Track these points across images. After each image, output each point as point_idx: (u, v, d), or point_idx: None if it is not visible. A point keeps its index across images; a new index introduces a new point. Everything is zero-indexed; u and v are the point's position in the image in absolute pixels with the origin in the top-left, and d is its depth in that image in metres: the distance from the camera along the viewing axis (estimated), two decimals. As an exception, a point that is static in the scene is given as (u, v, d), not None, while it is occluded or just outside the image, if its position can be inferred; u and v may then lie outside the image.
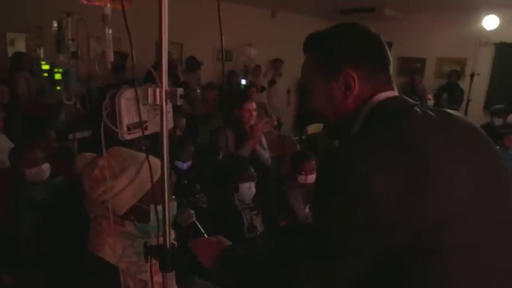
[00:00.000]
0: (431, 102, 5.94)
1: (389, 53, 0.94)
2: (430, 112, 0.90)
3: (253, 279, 0.96)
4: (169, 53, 0.89)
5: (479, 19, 6.09)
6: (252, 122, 3.19)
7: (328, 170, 0.83)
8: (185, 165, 2.91)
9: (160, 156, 0.89)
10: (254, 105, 3.24)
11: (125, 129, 0.89)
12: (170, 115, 0.93)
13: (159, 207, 0.94)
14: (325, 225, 0.81)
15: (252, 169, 2.56)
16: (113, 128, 0.90)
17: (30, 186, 2.29)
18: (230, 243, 1.09)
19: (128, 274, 1.15)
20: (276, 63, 7.20)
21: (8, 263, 2.12)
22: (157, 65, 0.86)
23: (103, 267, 1.10)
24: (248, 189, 2.48)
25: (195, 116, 5.30)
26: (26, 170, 2.26)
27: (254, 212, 2.53)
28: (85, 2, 0.88)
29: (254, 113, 3.21)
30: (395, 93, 0.93)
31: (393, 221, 0.76)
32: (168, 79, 0.86)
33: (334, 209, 0.80)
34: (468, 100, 6.12)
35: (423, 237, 0.78)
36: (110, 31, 0.90)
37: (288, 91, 7.60)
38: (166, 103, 0.88)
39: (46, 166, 2.32)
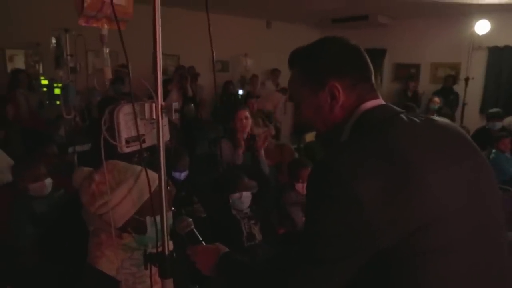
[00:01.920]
0: (437, 105, 5.97)
1: (369, 63, 0.99)
2: (416, 119, 0.93)
3: (250, 284, 0.99)
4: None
5: (471, 24, 6.18)
6: (247, 130, 3.21)
7: (317, 177, 0.86)
8: (182, 175, 2.93)
9: (156, 168, 0.94)
10: (246, 113, 3.24)
11: (123, 142, 0.93)
12: (166, 128, 0.98)
13: (157, 217, 0.98)
14: (315, 231, 0.85)
15: (246, 179, 2.57)
16: (112, 142, 0.94)
17: (31, 200, 2.33)
18: (227, 250, 1.12)
19: (127, 286, 1.17)
20: (274, 73, 7.26)
21: (10, 274, 2.15)
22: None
23: (102, 279, 1.13)
24: (239, 199, 2.50)
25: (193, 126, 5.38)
26: (30, 185, 2.31)
27: (253, 221, 2.56)
28: (84, 24, 0.93)
29: (248, 121, 3.22)
30: (381, 101, 0.97)
31: (380, 226, 0.79)
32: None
33: (323, 215, 0.83)
34: (464, 104, 6.18)
35: (408, 240, 0.81)
36: (108, 50, 0.95)
37: (285, 100, 7.66)
38: (162, 117, 0.92)
39: (48, 181, 2.38)
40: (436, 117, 1.02)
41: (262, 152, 3.23)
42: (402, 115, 0.93)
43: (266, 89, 7.04)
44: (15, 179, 2.39)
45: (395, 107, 0.97)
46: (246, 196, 2.53)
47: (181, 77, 5.74)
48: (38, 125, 4.46)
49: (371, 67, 0.99)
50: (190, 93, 5.78)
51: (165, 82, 5.73)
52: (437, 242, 0.82)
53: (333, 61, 0.96)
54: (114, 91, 4.93)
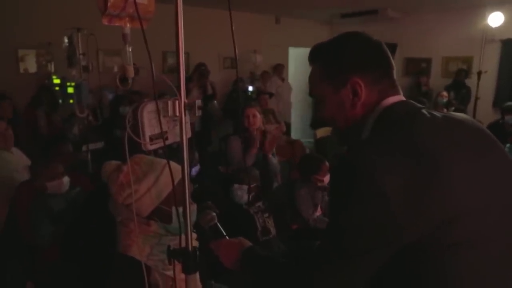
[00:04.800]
0: (445, 99, 5.92)
1: (391, 59, 0.98)
2: (437, 114, 0.93)
3: (274, 278, 0.99)
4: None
5: (484, 16, 6.10)
6: (256, 127, 3.21)
7: (341, 173, 0.86)
8: (194, 170, 2.93)
9: (179, 161, 0.95)
10: (254, 110, 3.22)
11: (147, 139, 0.94)
12: (188, 125, 0.99)
13: (180, 209, 1.00)
14: (341, 226, 0.85)
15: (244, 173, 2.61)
16: (136, 139, 0.95)
17: (48, 198, 2.36)
18: (251, 244, 1.13)
19: (157, 271, 1.23)
20: (278, 68, 7.24)
21: (30, 271, 2.19)
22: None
23: (134, 265, 1.16)
24: (238, 189, 2.54)
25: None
26: (47, 183, 2.34)
27: (266, 215, 2.57)
28: (107, 23, 0.94)
29: (256, 118, 3.21)
30: (402, 97, 0.97)
31: (406, 220, 0.79)
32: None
33: (349, 210, 0.83)
34: (477, 98, 6.10)
35: (434, 235, 0.81)
36: (130, 49, 0.96)
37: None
38: (185, 115, 0.93)
39: (66, 179, 2.41)
40: (456, 114, 1.02)
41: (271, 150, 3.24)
42: (424, 111, 0.93)
43: (274, 84, 7.03)
44: (33, 177, 2.42)
45: (415, 102, 0.97)
46: (240, 189, 2.55)
47: (201, 75, 5.75)
48: (55, 130, 4.50)
49: (393, 63, 0.99)
50: (210, 91, 5.79)
51: (185, 81, 5.76)
52: (462, 236, 0.82)
53: (355, 57, 0.95)
54: (123, 89, 4.96)
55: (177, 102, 0.92)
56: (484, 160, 0.89)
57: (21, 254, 2.27)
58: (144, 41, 0.93)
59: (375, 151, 0.84)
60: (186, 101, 0.92)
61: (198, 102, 0.94)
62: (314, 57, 1.02)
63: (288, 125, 6.41)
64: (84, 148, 3.48)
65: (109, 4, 0.91)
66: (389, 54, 0.99)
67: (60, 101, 4.71)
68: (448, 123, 0.93)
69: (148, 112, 0.94)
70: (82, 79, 3.48)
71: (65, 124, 4.30)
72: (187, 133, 0.96)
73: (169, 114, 0.94)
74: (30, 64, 5.47)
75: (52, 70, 5.32)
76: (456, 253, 0.82)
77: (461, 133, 0.92)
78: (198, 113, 0.93)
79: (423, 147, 0.83)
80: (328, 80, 0.97)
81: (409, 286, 0.87)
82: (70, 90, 3.59)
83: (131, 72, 0.93)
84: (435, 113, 0.94)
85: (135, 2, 0.89)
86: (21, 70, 5.37)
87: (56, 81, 4.98)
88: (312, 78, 1.03)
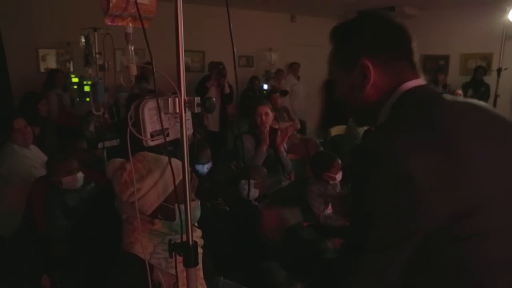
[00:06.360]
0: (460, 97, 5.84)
1: (413, 42, 0.94)
2: (459, 99, 0.91)
3: (313, 267, 0.95)
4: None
5: (504, 12, 5.94)
6: (268, 125, 3.22)
7: (362, 159, 0.82)
8: (206, 167, 2.93)
9: (180, 159, 0.97)
10: (266, 108, 3.23)
11: (148, 136, 0.97)
12: (190, 122, 1.01)
13: (182, 206, 1.03)
14: (365, 216, 0.81)
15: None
16: (138, 135, 0.98)
17: (63, 193, 2.44)
18: (297, 221, 1.14)
19: (159, 269, 1.25)
20: (293, 67, 7.23)
21: (46, 264, 2.26)
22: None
23: (137, 263, 1.20)
24: (245, 185, 2.59)
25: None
26: (63, 178, 2.41)
27: (274, 211, 2.59)
28: (109, 23, 0.97)
29: (268, 117, 3.22)
30: (422, 81, 0.93)
31: (432, 203, 0.75)
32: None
33: (372, 196, 0.78)
34: (496, 96, 5.97)
35: (456, 223, 0.77)
36: (133, 48, 0.99)
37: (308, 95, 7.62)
38: (185, 112, 0.96)
39: (80, 175, 2.48)
40: (475, 100, 0.97)
41: (282, 146, 3.25)
42: (445, 95, 0.90)
43: (289, 82, 7.02)
44: (49, 172, 2.50)
45: (436, 87, 0.94)
46: (247, 185, 2.59)
47: (218, 74, 5.78)
48: (71, 121, 4.63)
49: (414, 45, 0.94)
50: (227, 89, 5.80)
51: (203, 80, 5.81)
52: (484, 225, 0.79)
53: (367, 38, 0.92)
54: (139, 88, 5.06)
55: (177, 99, 0.95)
56: (504, 147, 0.86)
57: (37, 248, 2.35)
58: (146, 42, 0.95)
59: (396, 133, 0.81)
60: (185, 98, 0.95)
61: (197, 99, 0.96)
62: (331, 37, 0.99)
63: (303, 123, 6.40)
64: (100, 145, 3.55)
65: (111, 4, 0.94)
66: (410, 36, 0.94)
67: (77, 99, 4.82)
68: (469, 108, 0.90)
69: (149, 109, 0.97)
70: (98, 78, 3.56)
71: (82, 122, 4.40)
72: (188, 130, 0.98)
73: (170, 111, 0.96)
74: (50, 63, 5.62)
75: (71, 69, 5.45)
76: (475, 243, 0.79)
77: (482, 119, 0.89)
78: (198, 110, 0.96)
79: (444, 131, 0.79)
80: (340, 60, 0.96)
81: (427, 278, 0.83)
82: (87, 88, 3.67)
83: (133, 70, 0.96)
84: (457, 98, 0.91)
85: (136, 3, 0.92)
86: (42, 69, 5.51)
87: (75, 80, 5.10)
88: (329, 58, 1.00)
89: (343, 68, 0.95)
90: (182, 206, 1.03)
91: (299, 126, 5.65)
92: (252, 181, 2.57)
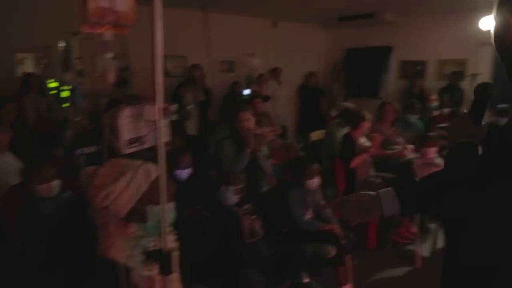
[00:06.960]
0: (436, 103, 5.97)
1: None
2: None
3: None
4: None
5: (478, 19, 6.13)
6: (250, 130, 3.23)
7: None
8: (185, 173, 2.89)
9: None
10: (248, 114, 3.26)
11: (124, 143, 0.97)
12: (166, 129, 1.01)
13: (156, 208, 1.03)
14: None
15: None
16: (114, 143, 0.98)
17: (38, 201, 2.38)
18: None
19: (136, 273, 1.25)
20: (275, 72, 7.27)
21: (18, 274, 2.20)
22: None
23: (113, 267, 1.19)
24: (225, 191, 2.58)
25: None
26: (38, 186, 2.36)
27: (253, 217, 2.59)
28: (87, 30, 0.97)
29: (250, 122, 3.24)
30: None
31: None
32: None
33: None
34: (470, 101, 6.11)
35: None
36: (112, 55, 0.99)
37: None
38: (161, 119, 0.96)
39: (56, 183, 2.42)
40: None
41: (261, 150, 3.27)
42: None
43: (271, 87, 7.05)
44: (24, 180, 2.44)
45: None
46: (225, 191, 2.59)
47: (191, 80, 5.73)
48: (47, 127, 4.53)
49: None
50: (201, 97, 5.74)
51: (179, 85, 5.74)
52: None
53: None
54: (121, 93, 5.00)
55: (153, 107, 0.95)
56: None
57: (10, 257, 2.28)
58: (125, 48, 0.95)
59: None
60: (161, 106, 0.95)
61: (173, 107, 0.97)
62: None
63: (284, 128, 6.42)
64: (78, 152, 3.50)
65: (88, 12, 0.94)
66: None
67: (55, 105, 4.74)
68: None
69: (125, 117, 0.97)
70: (77, 83, 3.52)
71: (59, 128, 4.32)
72: (164, 137, 0.99)
73: (146, 118, 0.96)
74: (28, 68, 5.50)
75: (50, 73, 5.35)
76: None
77: None
78: (173, 117, 0.96)
79: None
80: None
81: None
82: (64, 94, 3.63)
83: (111, 78, 0.95)
84: None
85: (115, 11, 0.92)
86: (18, 74, 5.39)
87: (52, 85, 5.01)
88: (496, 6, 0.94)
89: None
90: (155, 207, 1.03)
91: (279, 131, 5.67)
92: (231, 187, 2.58)
